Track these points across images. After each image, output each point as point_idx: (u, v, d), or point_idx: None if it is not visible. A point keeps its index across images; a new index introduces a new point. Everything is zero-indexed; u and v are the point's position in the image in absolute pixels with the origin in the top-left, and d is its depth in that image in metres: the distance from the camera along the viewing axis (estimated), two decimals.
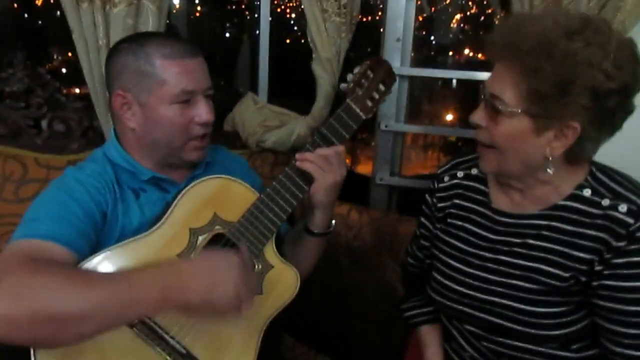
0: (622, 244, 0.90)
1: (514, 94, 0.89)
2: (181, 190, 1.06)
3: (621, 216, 0.90)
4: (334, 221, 1.18)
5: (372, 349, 1.58)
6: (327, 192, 1.09)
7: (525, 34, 0.87)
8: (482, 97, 0.96)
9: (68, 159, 1.44)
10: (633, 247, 0.89)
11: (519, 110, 0.89)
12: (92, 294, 0.84)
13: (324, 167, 1.07)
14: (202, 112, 1.07)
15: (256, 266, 1.06)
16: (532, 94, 0.87)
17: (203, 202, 1.06)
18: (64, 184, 1.05)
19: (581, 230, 0.94)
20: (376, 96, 1.12)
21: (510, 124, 0.91)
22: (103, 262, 0.97)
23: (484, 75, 1.65)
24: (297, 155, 1.08)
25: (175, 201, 1.04)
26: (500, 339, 1.03)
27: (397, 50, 1.66)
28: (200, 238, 1.04)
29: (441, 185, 1.14)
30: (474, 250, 1.05)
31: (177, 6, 3.10)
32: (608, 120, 0.89)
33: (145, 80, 1.04)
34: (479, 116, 0.96)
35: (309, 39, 1.52)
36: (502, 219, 1.03)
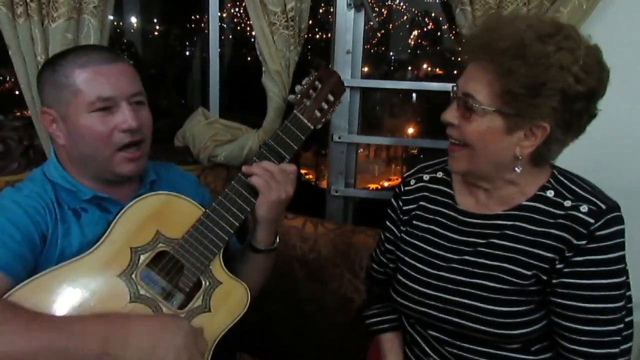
0: (582, 242, 0.93)
1: (488, 93, 0.92)
2: (121, 208, 1.03)
3: (582, 216, 0.93)
4: (277, 238, 1.16)
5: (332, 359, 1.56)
6: (270, 208, 1.06)
7: (500, 35, 0.91)
8: (454, 96, 0.99)
9: (7, 180, 1.39)
10: (593, 245, 0.92)
11: (492, 109, 0.92)
12: (32, 340, 0.82)
13: (270, 182, 1.04)
14: (125, 118, 1.02)
15: (203, 283, 1.04)
16: (506, 93, 0.90)
17: (144, 220, 1.02)
18: (0, 205, 1.01)
19: (544, 229, 0.97)
20: (325, 107, 1.12)
21: (482, 122, 0.93)
22: (40, 285, 0.93)
23: (433, 85, 1.70)
24: (244, 168, 1.06)
25: (115, 220, 1.01)
26: (464, 344, 1.04)
27: (347, 63, 1.67)
28: (142, 257, 1.00)
29: (407, 188, 1.15)
30: (439, 252, 1.07)
31: (135, 25, 3.07)
32: (575, 123, 0.94)
33: (62, 93, 1.02)
34: (451, 114, 0.98)
35: (258, 53, 1.51)
36: (468, 219, 1.05)
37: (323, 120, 1.12)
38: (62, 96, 1.02)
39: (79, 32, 1.34)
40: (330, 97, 1.13)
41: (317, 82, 1.11)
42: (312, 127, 1.10)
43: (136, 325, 0.90)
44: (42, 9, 1.28)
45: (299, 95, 1.10)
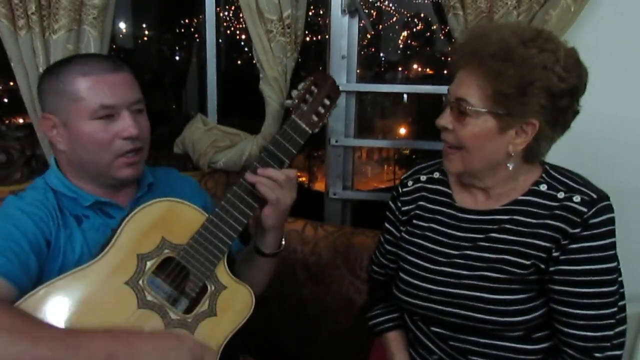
0: (577, 230, 0.98)
1: (479, 96, 0.97)
2: (126, 216, 1.04)
3: (576, 206, 0.99)
4: (284, 240, 1.18)
5: None
6: (278, 216, 1.09)
7: (487, 41, 0.97)
8: (447, 102, 1.03)
9: (10, 190, 1.40)
10: (587, 233, 0.98)
11: (485, 110, 0.97)
12: (37, 350, 0.83)
13: (276, 190, 1.06)
14: (126, 125, 1.05)
15: (208, 287, 1.05)
16: (496, 94, 0.96)
17: (150, 227, 1.04)
18: (6, 213, 1.03)
19: (540, 221, 1.02)
20: (322, 111, 1.14)
21: (476, 124, 0.98)
22: (50, 293, 0.94)
23: (427, 88, 1.72)
24: (248, 177, 1.07)
25: (120, 227, 1.02)
26: (467, 337, 1.07)
27: (342, 67, 1.70)
28: (149, 263, 1.02)
29: (405, 189, 1.19)
30: (440, 248, 1.10)
31: (124, 31, 3.07)
32: (561, 119, 1.00)
33: (64, 99, 1.04)
34: (445, 120, 1.02)
35: (255, 59, 1.54)
36: (467, 216, 1.09)
37: (320, 124, 1.14)
38: (63, 103, 1.04)
39: (79, 43, 1.36)
40: (326, 102, 1.14)
41: (313, 87, 1.13)
42: (310, 132, 1.12)
43: (141, 342, 0.91)
44: (43, 21, 1.30)
45: (296, 100, 1.11)
